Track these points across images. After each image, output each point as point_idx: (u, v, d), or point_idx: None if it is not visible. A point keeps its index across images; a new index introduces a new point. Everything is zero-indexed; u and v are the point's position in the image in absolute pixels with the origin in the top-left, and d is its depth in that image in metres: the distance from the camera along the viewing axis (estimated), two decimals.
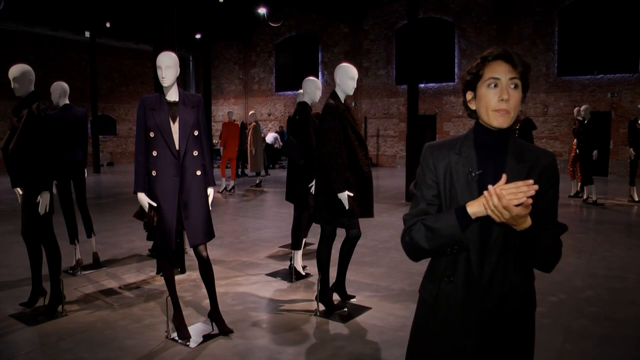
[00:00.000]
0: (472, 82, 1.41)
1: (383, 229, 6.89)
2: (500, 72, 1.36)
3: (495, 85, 1.37)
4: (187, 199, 3.22)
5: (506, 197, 1.22)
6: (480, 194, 1.38)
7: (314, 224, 4.57)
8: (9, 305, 4.01)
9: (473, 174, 1.40)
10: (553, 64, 14.84)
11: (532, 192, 1.21)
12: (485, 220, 1.37)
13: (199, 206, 3.26)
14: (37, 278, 3.91)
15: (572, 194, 9.89)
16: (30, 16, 16.28)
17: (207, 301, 3.56)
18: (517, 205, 1.22)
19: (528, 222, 1.28)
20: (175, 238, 3.25)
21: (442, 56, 16.64)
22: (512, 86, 1.36)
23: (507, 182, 1.34)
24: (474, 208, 1.32)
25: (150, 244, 5.61)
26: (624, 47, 13.71)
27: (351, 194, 3.59)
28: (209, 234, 3.34)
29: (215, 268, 3.78)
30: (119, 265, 5.24)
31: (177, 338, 3.34)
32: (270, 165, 17.10)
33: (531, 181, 1.22)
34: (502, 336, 1.43)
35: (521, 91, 1.38)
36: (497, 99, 1.36)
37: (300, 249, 4.87)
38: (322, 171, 3.66)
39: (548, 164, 1.41)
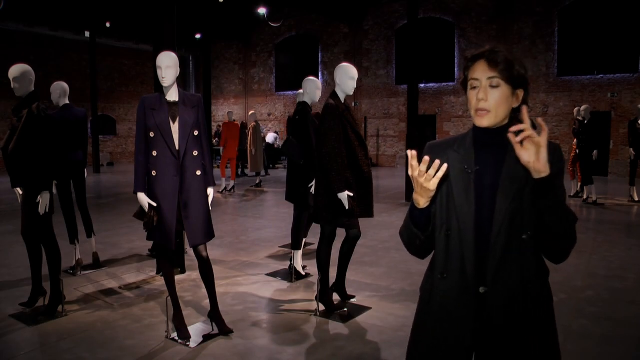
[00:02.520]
0: (464, 85, 1.44)
1: (383, 229, 6.88)
2: (479, 72, 1.37)
3: (475, 86, 1.38)
4: (187, 199, 3.22)
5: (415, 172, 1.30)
6: (477, 191, 1.38)
7: (314, 224, 4.57)
8: (9, 305, 4.01)
9: (470, 171, 1.40)
10: (553, 64, 14.85)
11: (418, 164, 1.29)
12: (484, 216, 1.37)
13: (199, 206, 3.26)
14: (37, 278, 3.90)
15: (572, 194, 9.88)
16: (30, 16, 16.28)
17: (207, 301, 3.56)
18: None
19: (546, 169, 1.25)
20: (175, 238, 3.25)
21: (442, 56, 16.65)
22: (491, 86, 1.36)
23: (505, 179, 1.37)
24: (414, 195, 1.36)
25: (150, 244, 5.61)
26: (624, 47, 13.71)
27: (351, 194, 3.59)
28: (209, 234, 3.34)
29: (215, 268, 3.78)
30: (119, 265, 5.23)
31: (177, 338, 3.34)
32: (270, 165, 17.10)
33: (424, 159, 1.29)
34: (517, 335, 1.40)
35: (507, 89, 1.36)
36: (475, 99, 1.37)
37: (300, 249, 4.87)
38: (322, 171, 3.66)
39: (549, 155, 1.36)
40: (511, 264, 1.37)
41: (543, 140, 1.23)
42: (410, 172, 1.32)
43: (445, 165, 1.28)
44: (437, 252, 1.48)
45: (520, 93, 1.40)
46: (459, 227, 1.40)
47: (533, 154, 1.23)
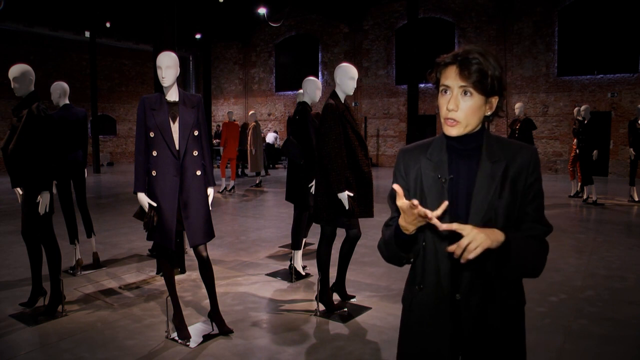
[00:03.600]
0: (436, 86, 1.38)
1: None
2: (450, 79, 1.30)
3: (447, 92, 1.32)
4: (187, 199, 3.22)
5: (409, 214, 1.23)
6: (451, 200, 1.34)
7: (314, 224, 4.57)
8: (9, 305, 4.01)
9: (443, 180, 1.36)
10: (553, 64, 14.85)
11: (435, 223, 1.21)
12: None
13: (199, 206, 3.26)
14: (37, 278, 3.90)
15: (572, 194, 9.89)
16: (30, 16, 16.28)
17: (207, 301, 3.56)
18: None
19: (497, 238, 1.23)
20: (175, 238, 3.25)
21: None
22: (464, 94, 1.30)
23: (481, 185, 1.33)
24: (401, 222, 1.30)
25: (150, 244, 5.61)
26: (624, 47, 13.71)
27: (351, 194, 3.60)
28: (209, 234, 3.34)
29: (215, 268, 3.78)
30: (119, 265, 5.23)
31: (177, 338, 3.34)
32: (270, 165, 17.10)
33: (435, 214, 1.21)
34: (487, 343, 1.39)
35: (479, 99, 1.30)
36: (445, 108, 1.32)
37: (300, 249, 4.87)
38: (322, 171, 3.66)
39: (526, 161, 1.35)
40: (484, 273, 1.35)
41: (469, 240, 1.19)
42: (399, 203, 1.25)
43: (443, 206, 1.23)
44: (414, 263, 1.46)
45: (494, 100, 1.34)
46: (433, 238, 1.37)
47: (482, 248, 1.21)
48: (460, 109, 1.30)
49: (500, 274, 1.32)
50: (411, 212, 1.23)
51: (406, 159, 1.45)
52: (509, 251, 1.25)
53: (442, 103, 1.33)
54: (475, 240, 1.19)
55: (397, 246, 1.36)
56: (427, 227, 1.36)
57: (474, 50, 1.30)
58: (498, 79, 1.31)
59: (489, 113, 1.35)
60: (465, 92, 1.30)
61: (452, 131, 1.32)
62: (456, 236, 1.31)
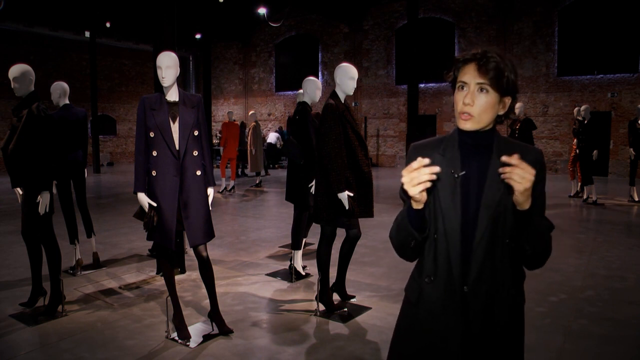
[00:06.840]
0: (452, 84, 1.43)
1: (383, 229, 6.88)
2: (468, 76, 1.36)
3: (464, 88, 1.37)
4: (187, 199, 3.22)
5: (410, 176, 1.25)
6: (463, 195, 1.38)
7: (314, 224, 4.58)
8: (9, 305, 4.01)
9: (456, 175, 1.40)
10: (553, 64, 14.85)
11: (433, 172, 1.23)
12: (469, 219, 1.37)
13: (198, 206, 3.26)
14: (37, 278, 3.90)
15: (572, 194, 9.89)
16: (30, 16, 16.28)
17: (207, 301, 3.56)
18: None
19: (527, 204, 1.28)
20: (175, 238, 3.25)
21: (442, 56, 16.61)
22: (480, 90, 1.35)
23: (492, 181, 1.37)
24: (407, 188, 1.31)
25: (150, 244, 5.61)
26: (624, 47, 13.71)
27: (351, 194, 3.60)
28: (209, 234, 3.34)
29: (215, 268, 3.78)
30: (119, 265, 5.23)
31: (177, 338, 3.34)
32: (271, 165, 17.08)
33: (430, 164, 1.24)
34: (491, 338, 1.41)
35: (494, 96, 1.36)
36: (461, 103, 1.36)
37: (300, 249, 4.87)
38: (322, 171, 3.66)
39: (533, 161, 1.38)
40: (492, 267, 1.38)
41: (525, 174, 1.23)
42: (414, 164, 1.27)
43: (434, 169, 1.25)
44: (424, 255, 1.47)
45: (508, 100, 1.40)
46: (445, 231, 1.40)
47: (524, 186, 1.24)
48: (475, 104, 1.35)
49: (520, 243, 1.35)
50: (416, 171, 1.26)
51: (419, 154, 1.46)
52: (532, 216, 1.30)
53: (458, 98, 1.38)
54: (529, 172, 1.22)
55: (409, 223, 1.38)
56: (441, 218, 1.39)
57: (493, 50, 1.37)
58: (513, 80, 1.37)
59: (501, 112, 1.41)
60: (481, 89, 1.35)
61: (466, 125, 1.37)
62: (467, 227, 1.37)
